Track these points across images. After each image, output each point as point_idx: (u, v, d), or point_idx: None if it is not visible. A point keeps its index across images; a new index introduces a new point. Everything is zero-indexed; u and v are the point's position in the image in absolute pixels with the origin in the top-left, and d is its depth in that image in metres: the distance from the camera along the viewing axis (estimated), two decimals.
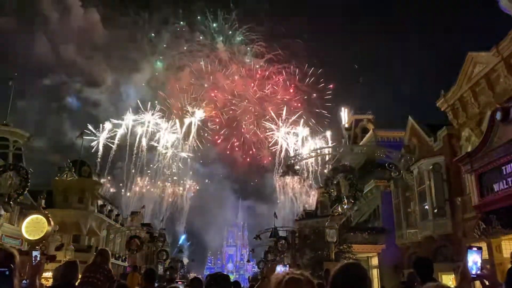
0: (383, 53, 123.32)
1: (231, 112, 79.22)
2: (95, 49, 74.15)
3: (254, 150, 78.23)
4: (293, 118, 70.23)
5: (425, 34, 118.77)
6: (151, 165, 71.15)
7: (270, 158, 75.80)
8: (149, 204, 71.36)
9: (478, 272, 2.95)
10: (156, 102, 70.66)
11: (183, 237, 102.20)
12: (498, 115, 13.67)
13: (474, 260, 2.98)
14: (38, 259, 5.91)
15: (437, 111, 20.76)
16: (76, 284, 5.24)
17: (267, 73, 76.23)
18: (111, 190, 53.20)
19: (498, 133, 13.67)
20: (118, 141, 66.16)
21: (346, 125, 42.34)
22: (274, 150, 72.11)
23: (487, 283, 2.99)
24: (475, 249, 3.03)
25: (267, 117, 73.49)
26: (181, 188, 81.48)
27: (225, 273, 4.56)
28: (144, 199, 73.30)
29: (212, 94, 78.20)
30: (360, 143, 31.52)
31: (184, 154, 73.08)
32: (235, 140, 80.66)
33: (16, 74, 30.44)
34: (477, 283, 3.21)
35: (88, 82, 69.87)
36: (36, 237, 20.91)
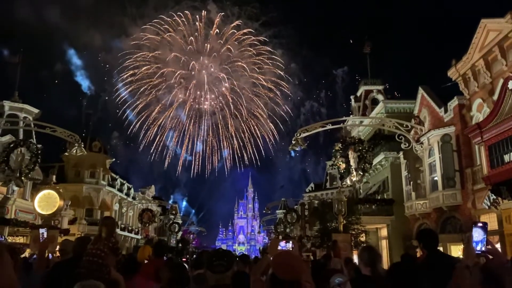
0: (393, 18, 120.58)
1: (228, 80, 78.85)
2: (80, 13, 73.32)
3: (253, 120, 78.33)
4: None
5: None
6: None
7: (270, 128, 75.96)
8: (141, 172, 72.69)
9: (483, 248, 2.91)
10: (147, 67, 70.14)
11: (193, 211, 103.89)
12: (511, 84, 13.38)
13: (479, 236, 2.93)
14: (45, 236, 6.02)
15: (448, 81, 20.36)
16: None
17: (263, 37, 75.19)
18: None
19: (510, 102, 13.41)
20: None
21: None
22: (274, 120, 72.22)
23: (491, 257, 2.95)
24: (480, 225, 2.98)
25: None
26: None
27: (229, 249, 4.57)
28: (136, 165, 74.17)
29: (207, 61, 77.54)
30: (370, 115, 31.16)
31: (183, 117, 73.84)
32: (233, 109, 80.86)
33: (22, 50, 30.12)
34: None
35: (74, 47, 69.49)
36: (49, 212, 21.38)
